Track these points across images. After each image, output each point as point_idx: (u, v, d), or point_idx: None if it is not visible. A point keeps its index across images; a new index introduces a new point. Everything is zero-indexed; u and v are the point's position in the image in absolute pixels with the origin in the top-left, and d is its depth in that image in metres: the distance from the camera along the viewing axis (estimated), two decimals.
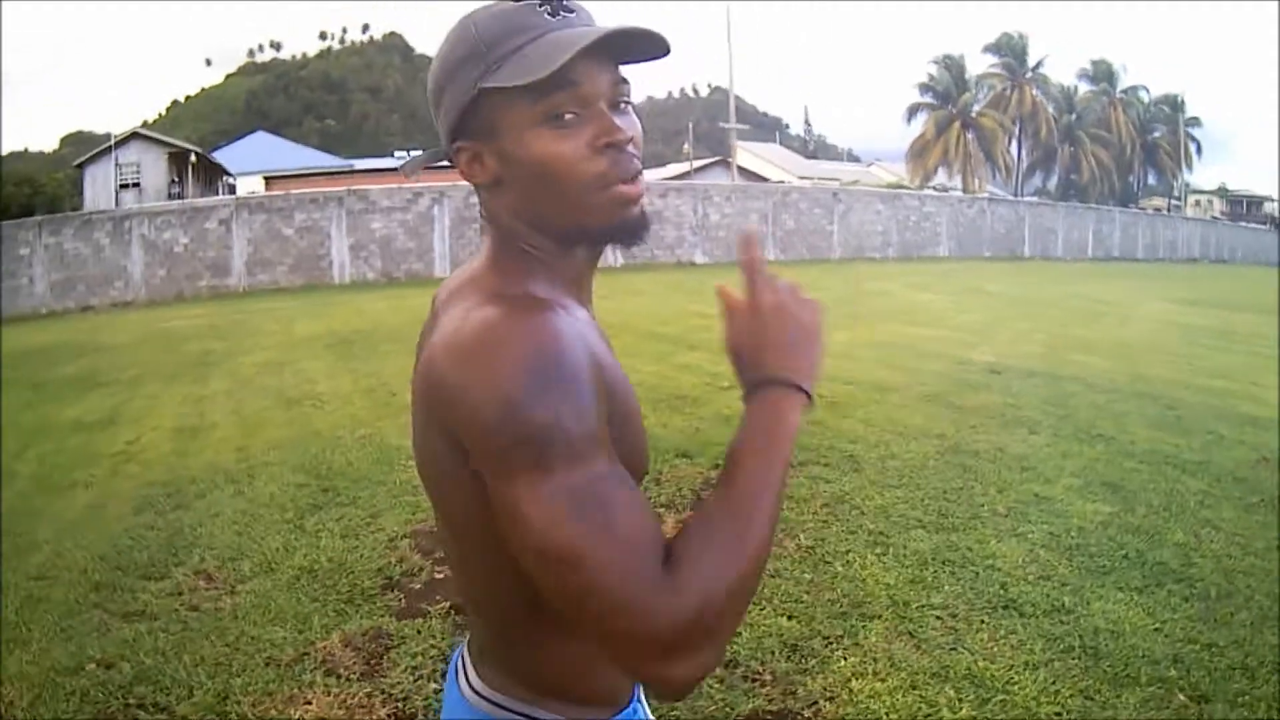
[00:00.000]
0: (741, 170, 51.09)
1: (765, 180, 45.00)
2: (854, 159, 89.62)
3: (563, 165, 1.03)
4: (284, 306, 19.51)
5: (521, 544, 0.92)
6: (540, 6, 1.03)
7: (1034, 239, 39.75)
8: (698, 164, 51.44)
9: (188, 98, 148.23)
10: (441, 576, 4.43)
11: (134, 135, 38.89)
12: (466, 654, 1.24)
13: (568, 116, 1.02)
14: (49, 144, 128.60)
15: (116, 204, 33.77)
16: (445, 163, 1.16)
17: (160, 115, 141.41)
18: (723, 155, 53.93)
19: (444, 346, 0.98)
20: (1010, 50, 56.58)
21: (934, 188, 49.47)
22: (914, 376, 9.29)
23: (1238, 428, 7.56)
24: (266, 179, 40.39)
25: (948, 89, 54.68)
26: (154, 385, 10.31)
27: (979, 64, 61.03)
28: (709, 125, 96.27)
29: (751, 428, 1.03)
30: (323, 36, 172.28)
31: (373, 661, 3.62)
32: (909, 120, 55.51)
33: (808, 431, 6.86)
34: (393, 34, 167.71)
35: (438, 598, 4.18)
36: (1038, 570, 4.45)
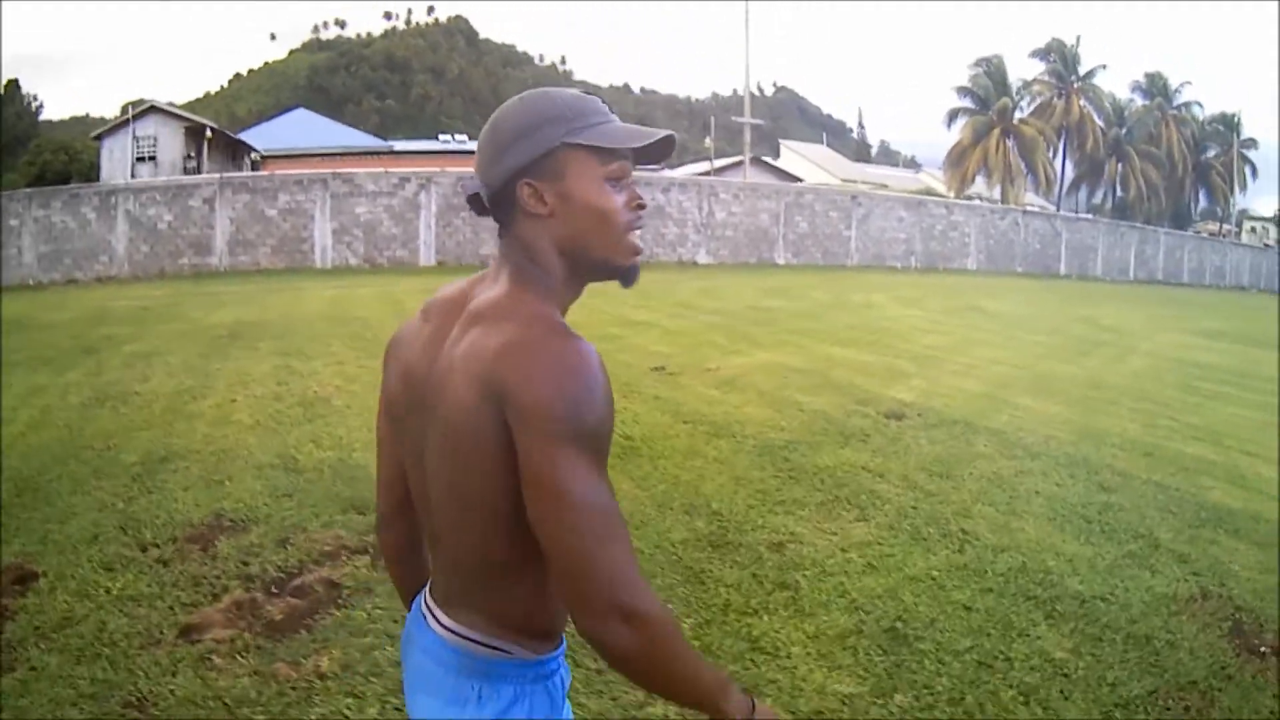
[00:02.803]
0: (778, 170, 50.24)
1: (800, 181, 44.16)
2: (915, 165, 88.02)
3: (613, 212, 1.42)
4: (231, 290, 18.93)
5: (543, 491, 1.26)
6: (603, 103, 1.45)
7: (1071, 256, 38.02)
8: (722, 162, 50.52)
9: (250, 71, 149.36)
10: None
11: (151, 109, 38.84)
12: (431, 604, 1.52)
13: (617, 180, 1.43)
14: (111, 111, 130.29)
15: (132, 176, 33.84)
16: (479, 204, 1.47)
17: (222, 88, 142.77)
18: (761, 154, 53.03)
19: (509, 352, 1.30)
20: (1060, 57, 54.08)
21: (968, 197, 47.92)
22: (780, 417, 7.68)
23: (1188, 531, 5.34)
24: (262, 157, 40.38)
25: (987, 94, 52.27)
26: (21, 372, 9.62)
27: (1028, 70, 59.11)
28: (772, 125, 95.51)
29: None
30: (387, 16, 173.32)
31: None
32: (949, 125, 53.19)
33: None
34: (457, 17, 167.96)
35: None
36: None
